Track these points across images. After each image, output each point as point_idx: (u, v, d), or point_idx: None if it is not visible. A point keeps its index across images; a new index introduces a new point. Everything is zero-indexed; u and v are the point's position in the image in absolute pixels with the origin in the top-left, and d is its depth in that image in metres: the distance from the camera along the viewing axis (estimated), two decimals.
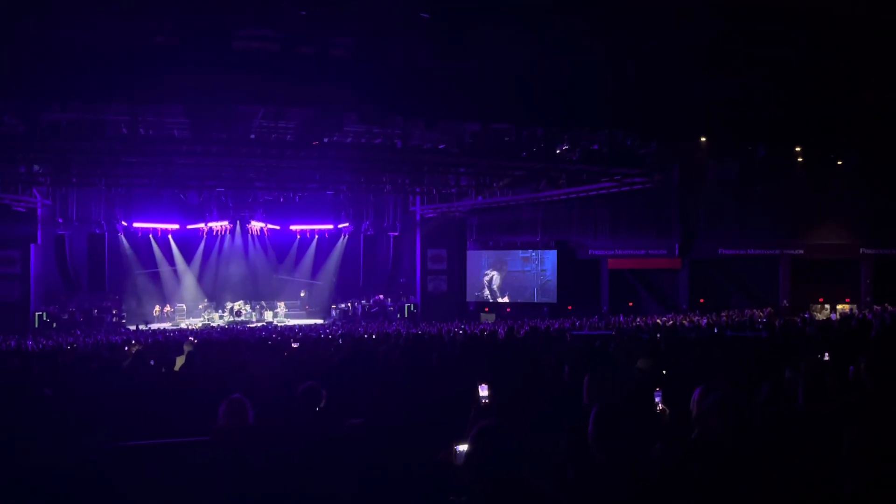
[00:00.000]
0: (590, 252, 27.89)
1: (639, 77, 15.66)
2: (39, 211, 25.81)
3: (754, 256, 25.73)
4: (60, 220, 26.53)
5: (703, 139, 18.93)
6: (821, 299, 24.59)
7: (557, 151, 19.70)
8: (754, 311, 21.96)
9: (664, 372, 5.85)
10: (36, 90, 13.59)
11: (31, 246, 25.70)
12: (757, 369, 5.43)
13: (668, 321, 18.33)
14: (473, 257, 29.80)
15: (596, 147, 19.68)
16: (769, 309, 22.44)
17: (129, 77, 13.36)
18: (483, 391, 3.86)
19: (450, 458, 2.87)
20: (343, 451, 3.64)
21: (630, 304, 26.72)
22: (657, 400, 4.01)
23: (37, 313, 25.40)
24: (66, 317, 26.06)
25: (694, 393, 3.57)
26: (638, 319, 20.32)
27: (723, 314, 20.82)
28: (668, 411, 4.00)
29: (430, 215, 29.96)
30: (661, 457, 3.06)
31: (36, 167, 21.32)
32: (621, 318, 21.37)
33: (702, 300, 25.52)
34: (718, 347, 7.56)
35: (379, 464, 3.01)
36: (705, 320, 17.92)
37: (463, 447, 2.67)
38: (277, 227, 30.30)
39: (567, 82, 15.33)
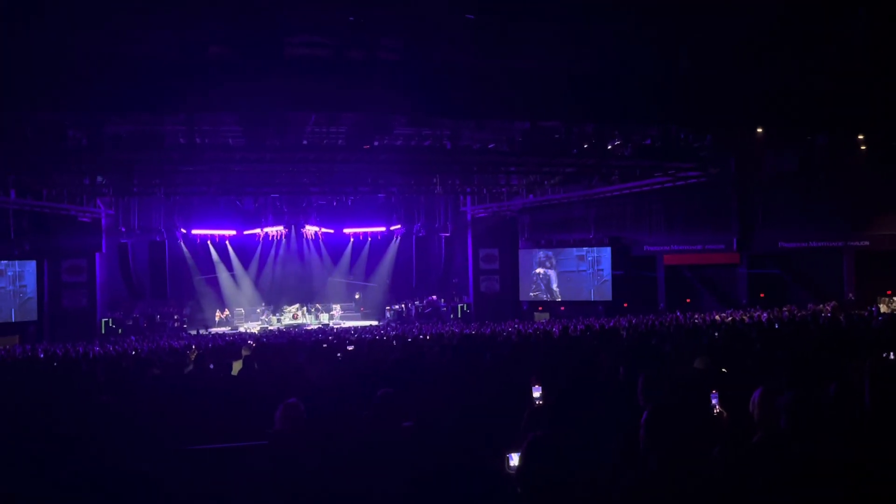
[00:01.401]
0: (645, 248, 27.42)
1: (691, 69, 15.34)
2: (103, 221, 26.70)
3: (816, 249, 24.88)
4: (123, 229, 27.47)
5: (759, 130, 18.43)
6: (888, 291, 23.62)
7: (609, 147, 19.44)
8: (817, 305, 21.26)
9: (723, 371, 5.70)
10: (98, 104, 14.08)
11: (97, 255, 26.63)
12: (821, 368, 5.24)
13: (727, 318, 17.89)
14: (526, 256, 29.63)
15: (648, 142, 19.36)
16: (833, 303, 21.69)
17: (185, 88, 13.73)
18: (536, 392, 3.81)
19: (503, 467, 2.85)
20: (397, 454, 3.65)
21: (688, 300, 26.17)
22: (714, 402, 3.89)
23: (103, 320, 26.28)
24: (130, 323, 26.92)
25: (754, 394, 3.44)
26: (696, 316, 19.88)
27: (784, 309, 20.20)
28: (725, 414, 3.87)
29: (482, 215, 29.91)
30: (721, 462, 2.96)
31: (99, 178, 22.11)
32: (678, 315, 20.93)
33: (762, 295, 24.81)
34: (780, 345, 7.33)
35: (432, 468, 3.00)
36: (766, 316, 17.42)
37: (516, 456, 2.64)
38: (331, 231, 30.72)
39: (617, 77, 15.13)
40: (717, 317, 18.49)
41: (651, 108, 15.99)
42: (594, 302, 28.00)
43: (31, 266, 25.22)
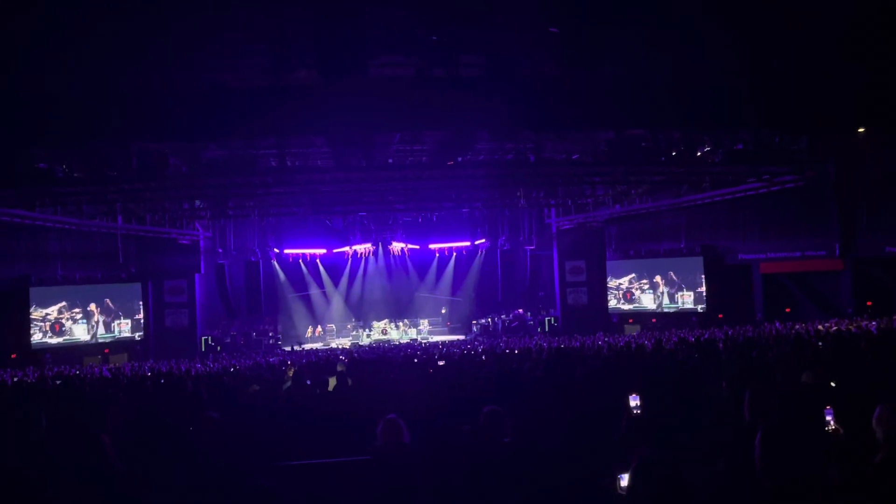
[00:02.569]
0: (739, 256, 26.39)
1: (785, 68, 14.76)
2: (202, 243, 27.96)
3: None
4: (220, 251, 28.72)
5: (861, 130, 17.50)
6: None
7: (698, 154, 18.87)
8: None
9: (832, 385, 5.41)
10: (197, 132, 14.80)
11: (196, 276, 27.90)
12: None
13: (832, 327, 16.99)
14: (614, 267, 29.08)
15: (740, 146, 18.68)
16: None
17: (276, 113, 14.25)
18: (633, 401, 3.72)
19: (612, 487, 2.79)
20: (499, 470, 3.64)
21: (787, 310, 25.00)
22: (828, 418, 3.67)
23: (203, 338, 27.45)
24: (228, 340, 28.01)
25: (876, 410, 3.22)
26: (797, 326, 18.97)
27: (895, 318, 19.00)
28: (841, 431, 3.65)
29: (567, 227, 29.57)
30: (839, 483, 2.80)
31: (198, 203, 23.21)
32: (777, 326, 20.02)
33: (869, 303, 23.42)
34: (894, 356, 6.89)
35: (536, 485, 2.99)
36: (875, 325, 16.43)
37: (625, 476, 2.59)
38: (417, 247, 31.12)
39: (705, 81, 14.70)
40: (820, 326, 17.57)
41: (742, 112, 15.46)
42: (687, 313, 27.16)
43: (136, 288, 26.68)
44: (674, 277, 27.62)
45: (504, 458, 3.66)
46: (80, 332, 24.87)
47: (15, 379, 13.71)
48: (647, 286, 28.25)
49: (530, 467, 3.44)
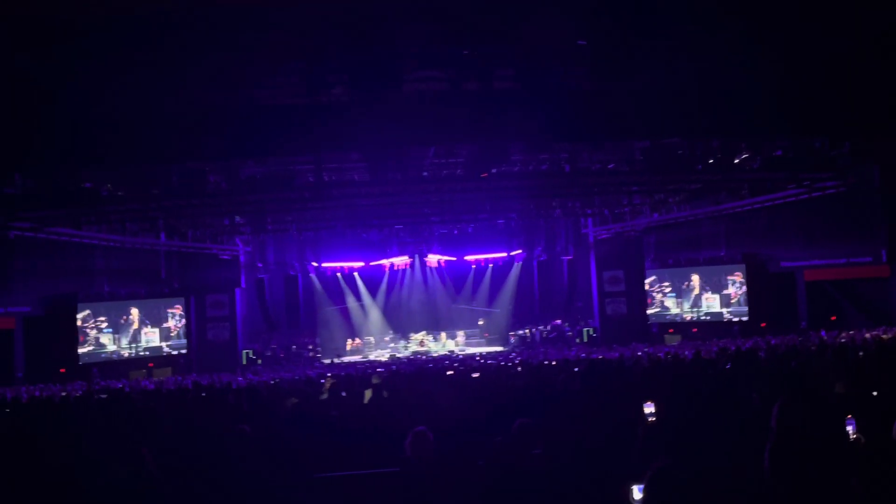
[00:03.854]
0: (782, 264, 25.91)
1: (824, 74, 14.51)
2: (242, 258, 28.46)
3: None
4: (260, 265, 29.21)
5: None
6: None
7: (736, 161, 18.62)
8: None
9: (871, 395, 5.30)
10: (235, 150, 15.14)
11: (237, 290, 28.38)
12: None
13: (880, 335, 16.55)
14: (653, 277, 28.78)
15: (780, 153, 18.38)
16: None
17: (312, 129, 14.50)
18: (649, 409, 3.71)
19: (628, 498, 2.79)
20: (527, 482, 3.67)
21: (832, 318, 24.42)
22: (850, 428, 3.62)
23: (244, 351, 27.88)
24: (268, 353, 28.38)
25: None
26: (843, 335, 18.52)
27: None
28: (863, 440, 3.60)
29: (604, 236, 29.36)
30: (859, 492, 2.76)
31: (238, 218, 23.67)
32: (823, 335, 19.57)
33: None
34: None
35: (560, 497, 3.01)
36: None
37: (639, 488, 2.59)
38: (453, 259, 31.21)
39: (741, 88, 14.54)
40: (867, 335, 17.12)
41: (780, 117, 15.21)
42: (730, 322, 26.72)
43: (180, 302, 27.26)
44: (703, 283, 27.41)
45: (532, 470, 3.68)
46: (106, 341, 25.24)
47: (63, 394, 14.13)
48: (668, 289, 28.08)
49: (557, 480, 3.46)
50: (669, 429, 3.64)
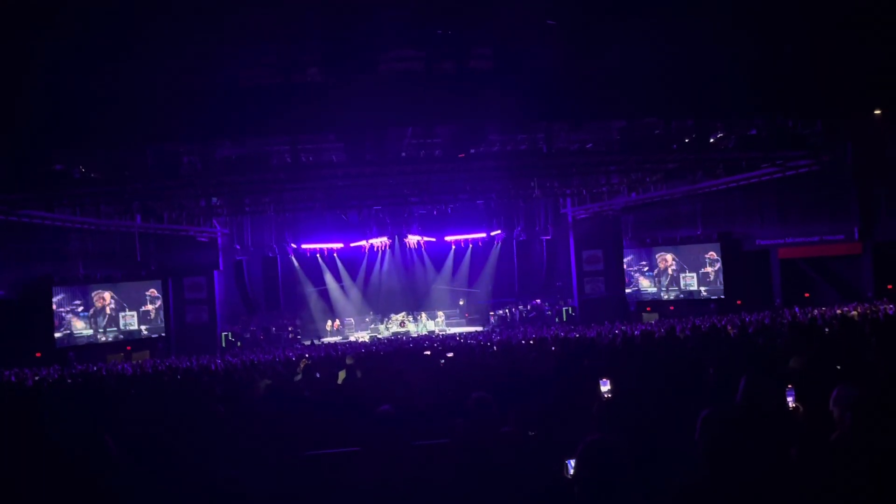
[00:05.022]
0: (757, 242, 26.24)
1: (797, 54, 14.63)
2: (219, 240, 28.28)
3: None
4: (238, 247, 29.05)
5: (877, 112, 17.31)
6: None
7: (711, 140, 18.77)
8: None
9: (835, 369, 5.42)
10: (210, 131, 15.02)
11: (215, 272, 28.23)
12: None
13: (850, 312, 16.86)
14: (630, 256, 29.03)
15: (754, 132, 18.56)
16: None
17: (288, 110, 14.44)
18: (605, 386, 3.78)
19: (563, 472, 2.87)
20: (494, 459, 3.73)
21: (806, 294, 24.81)
22: (789, 398, 3.72)
23: (223, 333, 27.81)
24: (248, 335, 28.34)
25: (834, 391, 3.27)
26: (815, 311, 18.85)
27: None
28: (801, 409, 3.70)
29: (583, 216, 29.53)
30: (797, 463, 2.86)
31: (214, 200, 23.49)
32: (797, 311, 19.90)
33: (889, 286, 23.18)
34: None
35: (518, 475, 3.07)
36: (893, 309, 16.29)
37: (570, 462, 2.67)
38: (433, 239, 31.24)
39: (716, 68, 14.64)
40: (837, 311, 17.44)
41: (754, 97, 15.37)
42: (706, 300, 27.07)
43: (156, 285, 27.06)
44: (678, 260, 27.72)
45: (499, 448, 3.73)
46: (81, 325, 25.03)
47: (37, 378, 14.04)
48: (646, 268, 28.38)
49: (523, 457, 3.53)
50: (621, 405, 3.72)
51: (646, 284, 28.46)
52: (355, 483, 3.60)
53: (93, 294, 25.34)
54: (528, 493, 2.53)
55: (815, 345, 5.95)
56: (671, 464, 2.93)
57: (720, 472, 2.53)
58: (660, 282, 28.26)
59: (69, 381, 11.07)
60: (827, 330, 8.97)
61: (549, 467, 2.96)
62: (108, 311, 25.67)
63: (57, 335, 24.00)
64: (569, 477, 2.78)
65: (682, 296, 27.79)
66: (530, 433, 3.94)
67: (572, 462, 2.60)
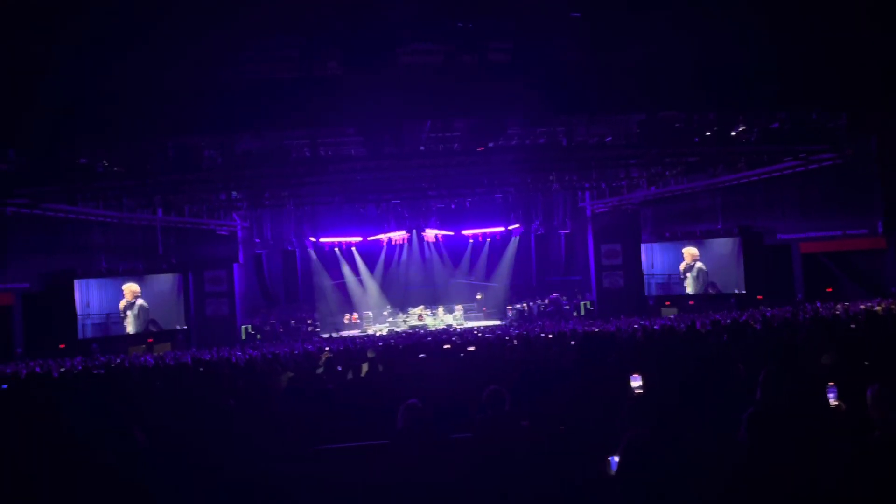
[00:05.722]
0: (778, 236, 25.95)
1: (820, 46, 14.42)
2: (239, 233, 28.45)
3: None
4: (257, 241, 29.21)
5: None
6: None
7: (733, 133, 18.58)
8: None
9: (862, 365, 5.34)
10: (231, 125, 15.13)
11: (234, 266, 28.41)
12: None
13: (874, 307, 16.65)
14: (649, 250, 28.85)
15: (776, 125, 18.34)
16: None
17: (308, 104, 14.49)
18: (635, 382, 3.75)
19: (605, 469, 2.84)
20: (513, 453, 3.73)
21: (828, 290, 24.52)
22: (831, 396, 3.66)
23: (243, 326, 28.00)
24: (267, 328, 28.50)
25: (868, 390, 3.21)
26: (838, 307, 18.63)
27: None
28: (843, 407, 3.65)
29: (601, 210, 29.36)
30: (837, 460, 2.80)
31: (234, 194, 23.65)
32: (819, 306, 19.68)
33: None
34: None
35: (544, 469, 3.06)
36: None
37: (615, 458, 2.64)
38: (451, 233, 31.20)
39: (739, 59, 14.48)
40: (861, 307, 17.23)
41: (777, 90, 15.19)
42: (726, 295, 26.85)
43: (178, 278, 27.32)
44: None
45: (520, 442, 3.74)
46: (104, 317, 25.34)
47: (62, 370, 14.23)
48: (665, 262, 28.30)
49: (544, 452, 3.52)
50: (654, 401, 3.68)
51: (666, 277, 28.28)
52: (384, 475, 3.62)
53: (123, 287, 25.70)
54: (564, 488, 2.51)
55: (844, 340, 5.87)
56: (710, 461, 2.90)
57: (765, 470, 2.51)
58: (679, 277, 28.08)
59: (95, 372, 11.21)
60: (853, 325, 8.86)
61: (583, 463, 2.95)
62: (138, 303, 26.03)
63: (79, 326, 24.32)
64: (611, 473, 2.77)
65: (701, 290, 27.61)
66: (560, 427, 3.92)
67: (615, 459, 2.58)
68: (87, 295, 25.00)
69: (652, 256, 28.70)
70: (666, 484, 2.39)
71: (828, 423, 3.52)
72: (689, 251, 27.87)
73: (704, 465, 2.81)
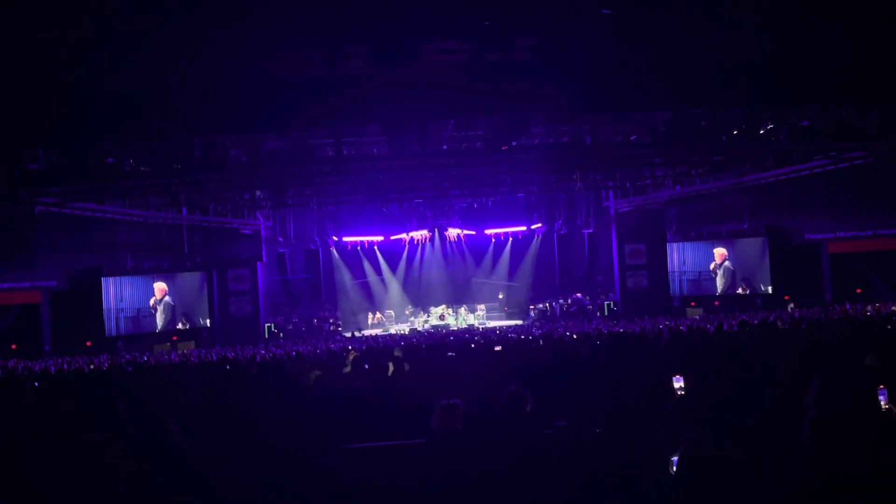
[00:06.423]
0: (806, 236, 25.56)
1: (850, 39, 14.15)
2: (263, 232, 28.63)
3: None
4: (280, 240, 29.38)
5: None
6: None
7: (761, 132, 18.30)
8: None
9: None
10: (256, 124, 15.20)
11: (258, 264, 28.59)
12: None
13: None
14: (674, 250, 28.57)
15: (806, 123, 18.03)
16: None
17: (332, 103, 14.51)
18: (678, 383, 3.68)
19: (663, 469, 2.77)
20: (549, 453, 3.68)
21: (858, 290, 24.10)
22: (882, 399, 3.55)
23: (266, 325, 28.17)
24: (290, 327, 28.64)
25: None
26: (868, 308, 18.30)
27: None
28: (895, 410, 3.53)
29: (626, 209, 29.11)
30: (891, 463, 2.72)
31: (258, 193, 23.79)
32: (848, 307, 19.34)
33: None
34: None
35: (585, 467, 3.00)
36: None
37: (674, 459, 2.57)
38: (473, 233, 31.15)
39: (766, 56, 14.25)
40: (894, 308, 16.91)
41: (805, 86, 14.93)
42: (752, 295, 26.51)
43: (202, 276, 27.55)
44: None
45: (555, 443, 3.68)
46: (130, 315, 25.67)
47: (91, 367, 14.37)
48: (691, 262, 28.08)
49: (581, 451, 3.46)
50: (698, 402, 3.61)
51: (692, 277, 28.04)
52: (416, 474, 3.57)
53: (144, 285, 26.00)
54: (605, 487, 2.45)
55: (884, 342, 5.73)
56: (772, 462, 2.82)
57: (830, 473, 2.43)
58: (705, 277, 27.82)
59: (129, 369, 11.30)
60: (889, 327, 8.67)
61: (623, 463, 2.89)
62: (166, 300, 26.34)
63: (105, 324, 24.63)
64: (672, 474, 2.70)
65: (727, 291, 27.32)
66: (596, 430, 3.86)
67: (674, 459, 2.52)
68: (120, 289, 25.30)
69: (682, 253, 28.41)
70: (730, 484, 2.32)
71: (883, 426, 3.42)
72: (719, 251, 27.58)
73: (765, 466, 2.74)
